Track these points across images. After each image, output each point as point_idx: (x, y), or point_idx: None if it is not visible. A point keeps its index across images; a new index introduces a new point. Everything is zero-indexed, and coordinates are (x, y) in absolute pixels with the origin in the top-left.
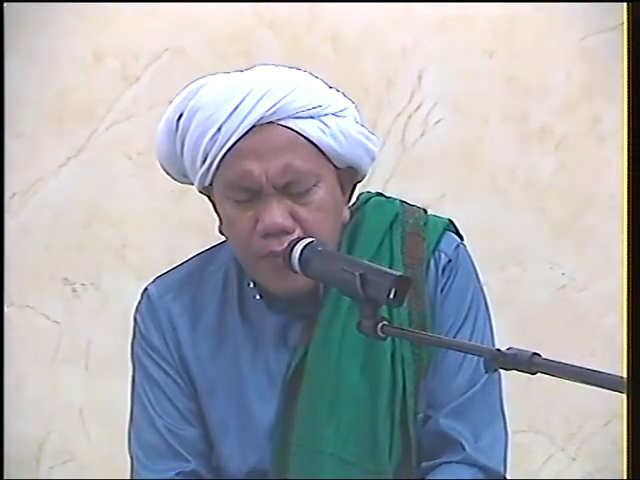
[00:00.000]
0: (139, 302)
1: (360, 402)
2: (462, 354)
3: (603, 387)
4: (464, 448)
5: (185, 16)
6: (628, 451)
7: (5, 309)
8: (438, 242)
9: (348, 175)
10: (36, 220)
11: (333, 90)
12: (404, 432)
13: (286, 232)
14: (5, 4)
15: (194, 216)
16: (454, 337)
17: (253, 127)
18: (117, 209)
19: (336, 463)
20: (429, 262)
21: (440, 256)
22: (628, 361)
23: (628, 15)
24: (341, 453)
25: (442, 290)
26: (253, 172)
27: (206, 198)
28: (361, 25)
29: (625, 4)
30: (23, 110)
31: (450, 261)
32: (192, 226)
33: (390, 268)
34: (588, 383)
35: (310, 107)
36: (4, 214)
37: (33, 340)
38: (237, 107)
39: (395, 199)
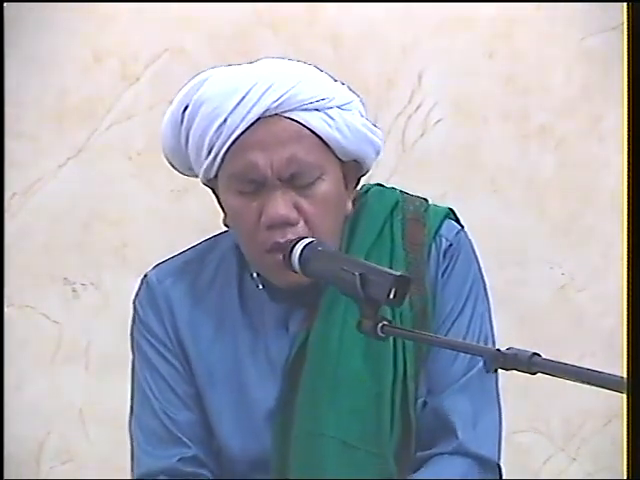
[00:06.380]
0: (138, 289)
1: (362, 386)
2: (461, 339)
3: (603, 387)
4: (457, 436)
5: (185, 16)
6: (628, 451)
7: (5, 309)
8: (439, 227)
9: (352, 169)
10: (36, 220)
11: (338, 83)
12: (404, 416)
13: (290, 224)
14: (5, 4)
15: (194, 216)
16: (454, 320)
17: (258, 119)
18: (117, 209)
19: (338, 446)
20: (430, 247)
21: (441, 241)
22: (628, 361)
23: (628, 15)
24: (343, 436)
25: (443, 274)
26: (258, 163)
27: (210, 191)
28: (361, 25)
29: (625, 4)
30: (23, 110)
31: (451, 245)
32: (192, 226)
33: (391, 253)
34: (588, 383)
35: (315, 99)
36: (4, 214)
37: (33, 340)
38: (242, 99)
39: (395, 188)
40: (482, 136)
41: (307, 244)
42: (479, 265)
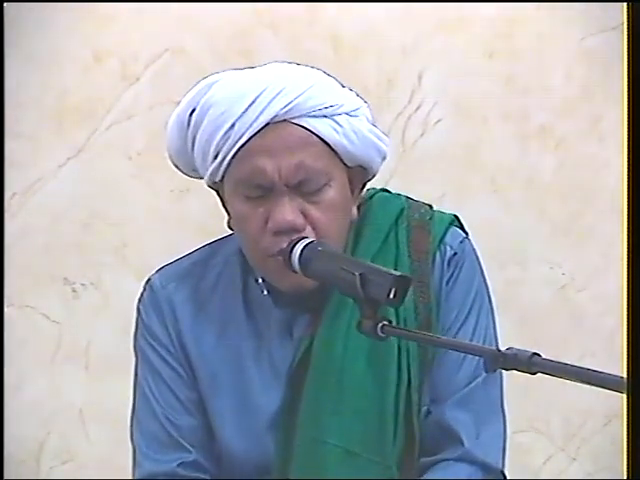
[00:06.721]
0: (142, 292)
1: (366, 394)
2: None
3: (603, 387)
4: (463, 444)
5: (185, 16)
6: (628, 451)
7: (5, 309)
8: (444, 235)
9: (358, 174)
10: (36, 220)
11: (346, 89)
12: (408, 424)
13: (296, 230)
14: (5, 4)
15: (194, 216)
16: (458, 329)
17: (266, 125)
18: (117, 209)
19: (341, 455)
20: (435, 255)
21: (446, 249)
22: (628, 361)
23: (628, 15)
24: (346, 444)
25: (447, 283)
26: (266, 169)
27: (214, 193)
28: (361, 25)
29: (625, 4)
30: (23, 110)
31: (455, 254)
32: (192, 226)
33: (396, 261)
34: (588, 383)
35: (324, 106)
36: (4, 214)
37: (33, 340)
38: (251, 104)
39: (400, 195)
40: (482, 136)
41: (307, 244)
42: (483, 273)
